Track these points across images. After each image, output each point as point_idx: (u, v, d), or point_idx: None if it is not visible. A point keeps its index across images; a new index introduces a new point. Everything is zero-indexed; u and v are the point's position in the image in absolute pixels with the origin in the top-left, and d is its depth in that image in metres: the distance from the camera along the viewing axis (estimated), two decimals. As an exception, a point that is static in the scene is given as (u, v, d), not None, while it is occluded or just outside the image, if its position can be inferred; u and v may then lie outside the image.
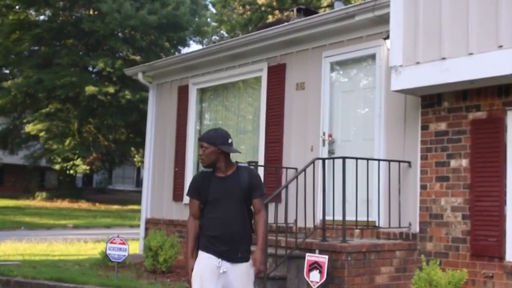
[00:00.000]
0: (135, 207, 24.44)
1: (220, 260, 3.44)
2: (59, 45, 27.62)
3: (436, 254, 5.69)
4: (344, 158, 5.67)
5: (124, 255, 7.04)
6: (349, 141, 6.85)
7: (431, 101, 5.92)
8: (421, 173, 5.94)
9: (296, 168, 6.93)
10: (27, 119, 28.28)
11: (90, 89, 24.52)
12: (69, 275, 7.06)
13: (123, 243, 7.03)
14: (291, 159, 7.30)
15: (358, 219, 5.85)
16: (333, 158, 6.28)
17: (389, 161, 6.11)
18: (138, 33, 27.03)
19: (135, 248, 9.67)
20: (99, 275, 7.25)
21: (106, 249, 7.21)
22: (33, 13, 27.87)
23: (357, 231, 6.18)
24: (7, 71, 29.07)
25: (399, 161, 6.11)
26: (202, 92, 9.16)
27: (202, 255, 3.49)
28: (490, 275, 5.29)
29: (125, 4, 24.92)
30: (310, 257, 5.30)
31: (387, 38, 6.11)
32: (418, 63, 5.55)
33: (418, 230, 5.91)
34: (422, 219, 5.88)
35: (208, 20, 29.17)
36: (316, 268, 5.22)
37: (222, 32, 26.81)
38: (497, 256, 5.27)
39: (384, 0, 6.02)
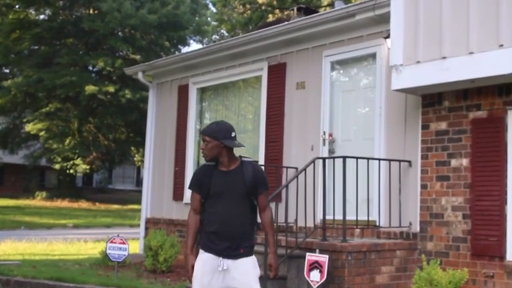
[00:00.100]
0: (135, 206, 24.44)
1: (221, 258, 3.35)
2: (59, 45, 27.61)
3: (437, 253, 5.68)
4: (344, 158, 5.67)
5: (124, 255, 7.03)
6: (350, 141, 6.84)
7: (432, 100, 5.91)
8: (421, 173, 5.93)
9: (296, 168, 6.92)
10: (27, 119, 28.28)
11: (90, 89, 24.51)
12: (69, 275, 7.06)
13: (123, 243, 7.03)
14: (291, 159, 7.29)
15: (359, 218, 5.84)
16: (334, 158, 6.27)
17: (389, 160, 6.11)
18: (138, 33, 27.02)
19: (135, 247, 9.67)
20: (99, 275, 7.24)
21: (106, 249, 7.20)
22: (33, 12, 27.86)
23: (358, 230, 6.18)
24: (7, 70, 29.07)
25: (400, 161, 6.11)
26: (202, 91, 9.15)
27: (202, 255, 3.41)
28: (491, 274, 5.29)
29: (125, 3, 24.91)
30: (310, 257, 5.29)
31: (388, 37, 6.10)
32: (418, 62, 5.55)
33: (418, 229, 5.90)
34: (422, 218, 5.87)
35: (209, 19, 29.17)
36: (316, 268, 5.21)
37: (222, 31, 26.80)
38: (498, 256, 5.26)
39: (385, -1, 6.01)
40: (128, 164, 35.83)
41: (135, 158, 31.48)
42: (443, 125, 5.80)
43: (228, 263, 3.34)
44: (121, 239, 7.06)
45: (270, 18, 20.51)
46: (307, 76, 7.28)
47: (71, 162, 27.61)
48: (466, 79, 5.30)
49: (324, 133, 6.95)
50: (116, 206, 28.63)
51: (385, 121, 6.38)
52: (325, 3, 20.08)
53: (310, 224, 6.16)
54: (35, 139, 29.02)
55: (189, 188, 3.53)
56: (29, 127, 27.55)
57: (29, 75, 25.45)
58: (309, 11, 9.04)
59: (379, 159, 6.19)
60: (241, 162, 3.48)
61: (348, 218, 5.63)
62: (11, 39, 26.48)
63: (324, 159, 5.91)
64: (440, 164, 5.78)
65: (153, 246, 7.46)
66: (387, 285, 5.60)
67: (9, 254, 9.75)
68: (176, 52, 26.73)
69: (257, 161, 6.74)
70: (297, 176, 5.92)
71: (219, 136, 3.42)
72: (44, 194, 30.09)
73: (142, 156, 17.81)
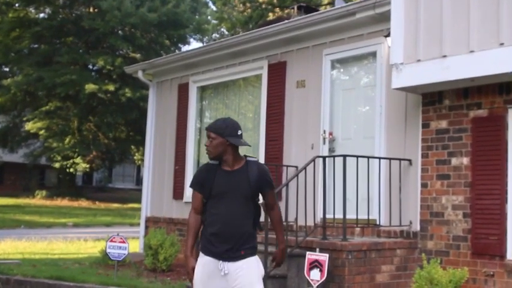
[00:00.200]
0: (135, 205, 24.45)
1: (220, 262, 3.21)
2: (58, 43, 27.60)
3: (437, 252, 5.68)
4: (345, 156, 5.66)
5: (124, 254, 7.03)
6: (350, 139, 6.83)
7: (432, 98, 5.90)
8: (421, 171, 5.92)
9: (296, 166, 6.92)
10: (27, 117, 28.28)
11: (90, 87, 24.51)
12: (69, 274, 7.05)
13: (123, 242, 7.02)
14: (291, 157, 7.28)
15: (359, 217, 5.83)
16: (334, 156, 6.25)
17: (390, 159, 6.10)
18: (138, 31, 27.00)
19: (135, 246, 9.66)
20: (99, 274, 7.24)
21: (106, 248, 7.20)
22: (33, 11, 27.83)
23: (358, 229, 6.17)
24: (7, 69, 29.06)
25: (400, 159, 6.10)
26: (202, 90, 9.14)
27: (202, 258, 3.27)
28: (491, 273, 5.28)
29: (125, 2, 24.89)
30: (310, 256, 5.28)
31: (388, 35, 6.09)
32: (418, 60, 5.53)
33: (418, 228, 5.89)
34: (423, 217, 5.87)
35: (209, 17, 29.16)
36: (316, 266, 5.20)
37: (222, 29, 26.79)
38: (498, 254, 5.25)
39: (385, -3, 6.00)
40: (128, 163, 35.83)
41: (135, 157, 31.48)
42: (443, 124, 5.79)
43: (228, 266, 3.21)
44: (121, 238, 7.06)
45: (270, 16, 20.49)
46: (308, 75, 7.27)
47: (71, 161, 27.61)
48: (467, 78, 5.29)
49: (324, 132, 6.94)
50: (115, 205, 28.64)
51: (386, 120, 6.37)
52: (326, 1, 20.05)
53: (310, 222, 6.15)
54: (35, 138, 29.02)
55: (191, 187, 3.40)
56: (29, 126, 27.54)
57: (29, 74, 25.43)
58: (309, 9, 9.04)
59: (380, 158, 6.18)
60: (246, 162, 3.33)
61: (348, 216, 5.63)
62: (10, 38, 26.47)
63: (324, 157, 5.90)
64: (440, 162, 5.77)
65: (153, 245, 7.46)
66: (387, 284, 5.59)
67: (9, 253, 9.75)
68: (176, 51, 26.73)
69: (257, 160, 6.74)
70: (297, 175, 5.91)
71: (225, 133, 3.27)
72: (44, 192, 30.09)
73: (143, 155, 17.82)
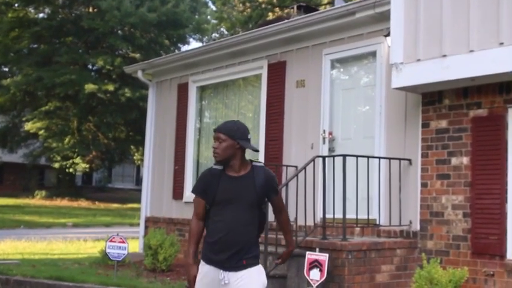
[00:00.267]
0: (135, 205, 24.44)
1: (221, 271, 3.08)
2: (58, 43, 27.58)
3: (437, 252, 5.67)
4: (344, 156, 5.65)
5: (124, 254, 7.02)
6: (350, 139, 6.83)
7: (432, 98, 5.90)
8: (421, 171, 5.92)
9: (296, 166, 6.91)
10: (26, 117, 28.27)
11: (89, 87, 24.50)
12: (69, 274, 7.04)
13: (123, 242, 7.01)
14: (291, 157, 7.27)
15: (359, 217, 5.83)
16: (333, 156, 6.25)
17: (389, 158, 6.09)
18: (138, 31, 27.00)
19: (135, 246, 9.65)
20: (98, 274, 7.23)
21: (105, 248, 7.19)
22: (32, 11, 27.83)
23: (358, 229, 6.16)
24: (6, 69, 29.05)
25: (400, 159, 6.09)
26: (202, 89, 9.13)
27: (203, 267, 3.14)
28: (491, 273, 5.27)
29: (124, 2, 24.89)
30: (310, 255, 5.28)
31: (388, 35, 6.08)
32: (418, 60, 5.53)
33: (418, 228, 5.89)
34: (423, 217, 5.86)
35: (208, 17, 29.16)
36: (316, 266, 5.19)
37: (222, 29, 26.78)
38: (498, 254, 5.25)
39: (385, -3, 6.00)
40: (128, 163, 35.81)
41: (134, 157, 31.47)
42: (443, 123, 5.79)
43: (229, 275, 3.08)
44: (120, 238, 7.05)
45: (270, 16, 20.49)
46: (307, 74, 7.26)
47: (71, 161, 27.60)
48: (467, 77, 5.28)
49: (324, 131, 6.94)
50: (115, 205, 28.63)
51: (385, 119, 6.36)
52: (325, 1, 20.05)
53: (310, 222, 6.14)
54: (35, 138, 29.00)
55: (193, 192, 3.27)
56: (29, 126, 27.53)
57: (29, 74, 25.42)
58: (308, 9, 9.03)
59: (379, 158, 6.18)
60: (252, 167, 3.19)
61: (348, 216, 5.62)
62: (10, 38, 26.45)
63: (324, 157, 5.90)
64: (440, 162, 5.76)
65: (152, 245, 7.45)
66: (387, 284, 5.58)
67: (8, 253, 9.74)
68: (176, 50, 26.73)
69: (257, 160, 6.73)
70: (296, 175, 5.91)
71: (236, 135, 3.12)
72: (44, 193, 30.08)
73: (142, 155, 17.80)
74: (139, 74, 9.71)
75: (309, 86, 7.22)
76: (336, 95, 7.02)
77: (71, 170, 28.26)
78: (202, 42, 28.91)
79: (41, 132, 27.43)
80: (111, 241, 7.06)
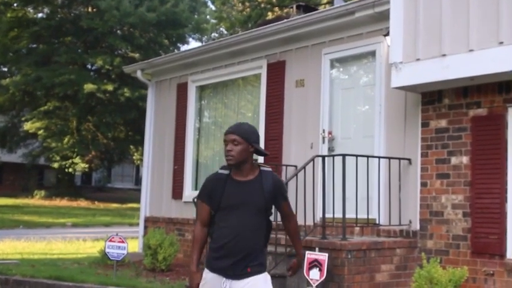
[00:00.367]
0: (134, 205, 24.42)
1: (224, 279, 2.97)
2: (57, 43, 27.55)
3: (437, 251, 5.67)
4: (344, 156, 5.65)
5: (123, 254, 7.01)
6: (349, 139, 6.82)
7: (432, 97, 5.89)
8: (421, 170, 5.92)
9: (296, 166, 6.90)
10: (25, 117, 28.25)
11: (88, 87, 24.47)
12: (68, 274, 7.04)
13: (122, 242, 7.01)
14: (290, 157, 7.27)
15: (358, 216, 5.82)
16: (333, 156, 6.25)
17: (389, 158, 6.09)
18: (137, 31, 26.98)
19: (134, 246, 9.64)
20: (98, 274, 7.22)
21: (105, 248, 7.18)
22: (31, 10, 27.81)
23: (357, 228, 6.16)
24: (5, 69, 29.02)
25: (399, 158, 6.09)
26: (201, 89, 9.12)
27: (206, 274, 3.04)
28: (491, 272, 5.27)
29: (123, 1, 24.87)
30: (310, 255, 5.27)
31: (387, 34, 6.08)
32: (418, 60, 5.52)
33: (418, 227, 5.89)
34: (422, 216, 5.86)
35: (208, 17, 29.14)
36: (316, 266, 5.19)
37: (221, 29, 26.77)
38: (498, 254, 5.24)
39: (384, -4, 5.99)
40: (127, 163, 35.80)
41: (134, 157, 31.46)
42: (443, 123, 5.78)
43: (232, 284, 2.96)
44: (120, 238, 7.04)
45: (269, 16, 20.49)
46: (307, 74, 7.26)
47: (70, 161, 27.58)
48: (466, 77, 5.28)
49: (324, 131, 6.93)
50: (115, 205, 28.61)
51: (385, 119, 6.36)
52: (325, 0, 20.03)
53: (309, 222, 6.14)
54: (34, 138, 28.98)
55: (198, 198, 3.16)
56: (28, 126, 27.51)
57: (28, 74, 25.40)
58: (308, 8, 9.03)
59: (379, 157, 6.17)
60: (259, 172, 3.06)
61: (347, 216, 5.62)
62: (9, 38, 26.43)
63: (323, 157, 5.89)
64: (440, 161, 5.76)
65: (152, 245, 7.44)
66: (387, 284, 5.58)
67: (7, 253, 9.73)
68: (175, 50, 26.72)
69: (256, 159, 6.73)
70: (296, 174, 5.90)
71: (251, 139, 3.00)
72: (43, 192, 30.06)
73: (142, 154, 17.78)
74: (139, 74, 9.70)
75: (309, 86, 7.22)
76: (336, 95, 7.02)
77: (70, 170, 28.25)
78: (202, 42, 28.90)
79: (40, 132, 27.41)
80: (110, 241, 7.05)
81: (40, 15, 28.14)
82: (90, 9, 27.83)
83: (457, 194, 5.60)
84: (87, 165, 28.21)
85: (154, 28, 26.98)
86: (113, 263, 7.06)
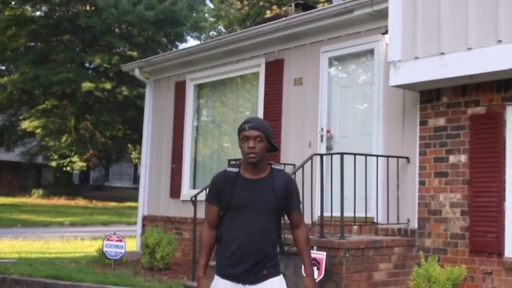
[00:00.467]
0: (132, 204, 24.40)
1: (240, 285, 2.80)
2: (55, 41, 27.50)
3: (435, 250, 5.66)
4: (342, 154, 5.64)
5: (121, 253, 7.00)
6: (348, 137, 6.81)
7: (430, 96, 5.88)
8: (419, 169, 5.91)
9: (294, 165, 6.88)
10: (23, 116, 28.21)
11: (86, 85, 24.43)
12: (66, 273, 7.03)
13: (120, 241, 6.99)
14: (288, 155, 7.26)
15: (357, 215, 5.81)
16: (331, 154, 6.24)
17: (387, 156, 6.08)
18: (135, 29, 26.94)
19: (132, 245, 9.63)
20: (95, 273, 7.21)
21: (103, 247, 7.17)
22: (29, 9, 27.74)
23: (355, 227, 6.15)
24: (3, 67, 28.98)
25: (398, 157, 6.08)
26: (199, 87, 9.11)
27: (218, 281, 2.86)
28: (489, 271, 5.27)
29: None
30: (308, 254, 5.26)
31: (386, 33, 6.07)
32: (416, 58, 5.52)
33: (416, 226, 5.88)
34: (420, 215, 5.85)
35: (206, 15, 29.10)
36: (314, 265, 5.18)
37: (219, 27, 26.74)
38: (496, 252, 5.24)
39: (383, -6, 5.98)
40: (125, 161, 35.81)
41: (132, 155, 31.45)
42: (441, 121, 5.78)
43: None
44: (118, 237, 7.03)
45: (268, 14, 20.45)
46: (305, 72, 7.24)
47: (68, 159, 27.55)
48: (465, 75, 5.27)
49: (322, 129, 6.92)
50: (112, 204, 28.59)
51: (383, 117, 6.35)
52: (323, -1, 20.01)
53: (307, 220, 6.11)
54: (31, 136, 28.95)
55: (206, 200, 3.01)
56: (25, 124, 27.46)
57: (25, 72, 25.34)
58: (306, 6, 9.01)
59: (377, 156, 6.16)
60: (271, 170, 2.89)
61: (345, 214, 5.61)
62: (7, 36, 26.36)
63: (321, 155, 5.88)
64: (438, 160, 5.76)
65: (150, 244, 7.43)
66: (385, 282, 5.58)
67: (5, 252, 9.72)
68: (173, 48, 26.69)
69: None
70: (294, 173, 5.88)
71: (270, 135, 2.83)
72: (41, 191, 30.03)
73: (139, 153, 17.75)
74: (137, 72, 9.68)
75: (307, 84, 7.21)
76: (334, 93, 7.01)
77: (68, 168, 28.22)
78: (200, 40, 28.88)
79: (38, 130, 27.37)
80: (108, 240, 7.04)
81: (38, 13, 28.09)
82: (88, 8, 27.78)
83: (455, 193, 5.59)
84: (85, 164, 28.18)
85: (153, 26, 26.94)
86: (111, 262, 7.05)
